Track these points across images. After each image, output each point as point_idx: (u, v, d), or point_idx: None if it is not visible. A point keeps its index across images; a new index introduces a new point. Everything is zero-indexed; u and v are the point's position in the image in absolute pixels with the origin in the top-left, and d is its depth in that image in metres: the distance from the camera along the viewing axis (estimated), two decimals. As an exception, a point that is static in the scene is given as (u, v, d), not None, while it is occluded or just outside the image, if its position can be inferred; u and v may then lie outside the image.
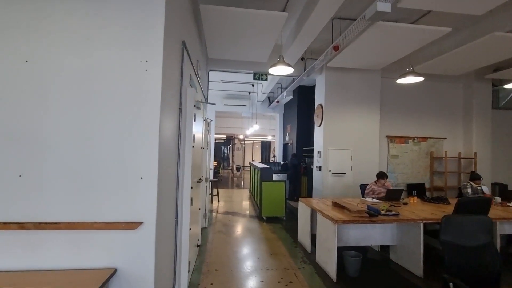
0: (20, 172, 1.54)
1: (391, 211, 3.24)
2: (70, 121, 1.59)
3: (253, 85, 7.99)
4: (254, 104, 9.40)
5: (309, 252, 3.72)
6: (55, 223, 1.54)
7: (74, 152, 1.59)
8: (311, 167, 6.50)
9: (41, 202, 1.55)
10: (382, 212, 3.18)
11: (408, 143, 5.92)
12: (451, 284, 1.58)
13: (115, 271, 1.57)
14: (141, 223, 1.62)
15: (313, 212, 3.72)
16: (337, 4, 3.08)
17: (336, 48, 3.93)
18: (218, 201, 7.45)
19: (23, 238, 1.54)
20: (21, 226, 1.52)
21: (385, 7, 2.76)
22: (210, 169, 6.31)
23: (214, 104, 4.16)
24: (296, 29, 3.98)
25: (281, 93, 7.79)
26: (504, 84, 5.64)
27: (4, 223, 1.51)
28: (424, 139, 5.98)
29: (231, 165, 19.29)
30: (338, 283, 2.86)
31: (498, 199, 4.14)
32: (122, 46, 1.64)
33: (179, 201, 2.29)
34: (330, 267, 2.99)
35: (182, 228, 2.36)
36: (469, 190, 4.34)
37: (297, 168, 7.76)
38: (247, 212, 6.27)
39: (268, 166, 6.48)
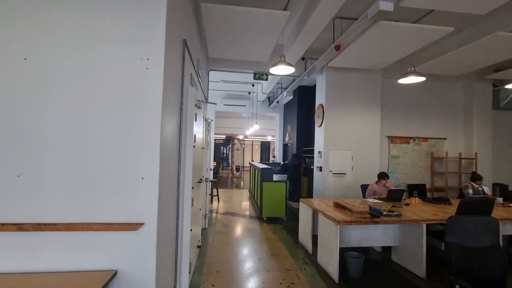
0: (19, 172, 1.51)
1: (393, 211, 3.22)
2: (70, 120, 1.56)
3: (253, 85, 7.96)
4: (254, 104, 9.38)
5: (311, 253, 3.69)
6: (55, 224, 1.51)
7: (74, 151, 1.56)
8: (311, 167, 6.48)
9: (40, 202, 1.52)
10: (384, 212, 3.15)
11: (408, 143, 5.91)
12: (457, 286, 1.55)
13: (115, 273, 1.54)
14: (142, 224, 1.59)
15: (314, 213, 3.70)
16: (338, 3, 3.07)
17: (337, 48, 3.91)
18: (218, 201, 7.41)
19: (21, 239, 1.50)
20: (20, 227, 1.48)
21: (387, 6, 2.75)
22: (210, 169, 6.28)
23: (215, 103, 4.14)
24: (297, 29, 3.96)
25: (281, 93, 7.77)
26: (505, 85, 5.64)
27: (2, 224, 1.48)
28: (425, 139, 5.97)
29: (230, 165, 19.25)
30: (340, 285, 2.84)
31: (500, 200, 4.12)
32: (123, 43, 1.62)
33: (180, 202, 2.26)
34: (332, 268, 2.96)
35: (183, 229, 2.33)
36: (470, 191, 4.33)
37: (297, 169, 7.73)
38: (247, 212, 6.24)
39: (269, 167, 6.46)
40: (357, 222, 2.95)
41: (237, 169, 16.34)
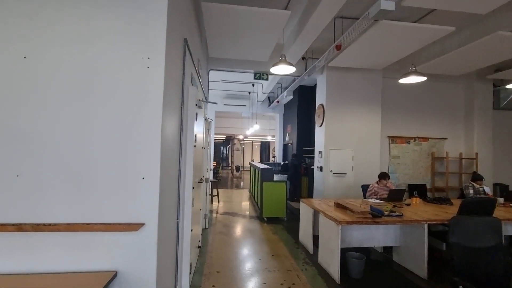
0: (18, 172, 1.49)
1: (394, 212, 3.20)
2: (69, 119, 1.54)
3: (253, 85, 7.95)
4: (254, 104, 9.36)
5: (311, 253, 3.68)
6: (54, 224, 1.50)
7: (73, 151, 1.54)
8: (312, 167, 6.46)
9: (40, 203, 1.50)
10: (386, 213, 3.14)
11: (409, 143, 5.90)
12: (460, 287, 1.54)
13: (115, 274, 1.52)
14: (143, 224, 1.57)
15: (315, 213, 3.68)
16: (339, 3, 3.05)
17: (338, 47, 3.90)
18: (218, 201, 7.40)
19: (21, 240, 1.49)
20: (19, 227, 1.47)
21: (389, 5, 2.73)
22: (210, 169, 6.26)
23: (216, 103, 4.13)
24: (298, 28, 3.95)
25: (282, 93, 7.76)
26: (505, 85, 5.63)
27: (2, 224, 1.46)
28: (425, 139, 5.97)
29: (230, 165, 19.24)
30: (341, 285, 2.83)
31: (501, 200, 4.11)
32: (123, 42, 1.60)
33: (180, 202, 2.25)
34: (333, 268, 2.95)
35: (183, 229, 2.31)
36: (471, 191, 4.32)
37: (298, 169, 7.72)
38: (247, 212, 6.22)
39: (269, 167, 6.44)
40: (358, 223, 2.94)
41: (237, 169, 16.32)
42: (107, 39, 1.59)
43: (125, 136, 1.58)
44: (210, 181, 6.19)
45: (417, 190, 5.01)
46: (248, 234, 4.54)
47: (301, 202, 4.19)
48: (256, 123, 9.89)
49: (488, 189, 4.45)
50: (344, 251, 3.03)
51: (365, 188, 4.61)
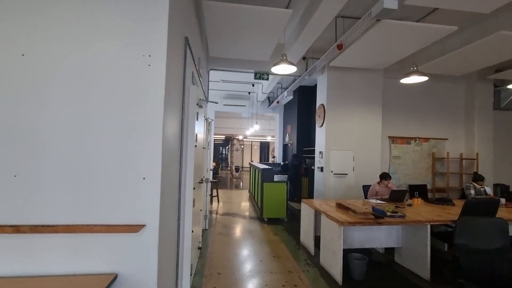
0: (16, 172, 1.45)
1: (396, 212, 3.18)
2: (69, 118, 1.50)
3: (253, 85, 7.92)
4: (254, 104, 9.33)
5: (313, 254, 3.65)
6: (53, 226, 1.46)
7: (73, 151, 1.50)
8: (312, 167, 6.44)
9: (38, 203, 1.47)
10: (388, 213, 3.12)
11: (410, 143, 5.88)
12: (467, 289, 1.52)
13: (116, 276, 1.49)
14: (144, 225, 1.54)
15: (317, 214, 3.65)
16: (341, 2, 3.03)
17: (339, 47, 3.87)
18: (218, 202, 7.36)
19: (18, 242, 1.45)
20: (17, 229, 1.43)
21: (392, 4, 2.71)
22: (210, 170, 6.23)
23: (217, 102, 4.09)
24: (299, 27, 3.92)
25: (282, 93, 7.73)
26: (506, 85, 5.63)
27: (-2, 226, 1.42)
28: (426, 139, 5.95)
29: (230, 166, 19.19)
30: (343, 286, 2.80)
31: (503, 201, 4.09)
32: (124, 39, 1.56)
33: (181, 202, 2.21)
34: (335, 270, 2.92)
35: (184, 230, 2.28)
36: (472, 191, 4.30)
37: (298, 169, 7.69)
38: (247, 213, 6.19)
39: (269, 167, 6.41)
40: (360, 223, 2.91)
41: (237, 169, 16.28)
42: (107, 36, 1.55)
43: (125, 136, 1.55)
44: (210, 181, 6.15)
45: (417, 190, 4.98)
46: (249, 235, 4.50)
47: (302, 203, 4.16)
48: (256, 123, 9.86)
49: (489, 190, 4.44)
50: (346, 252, 3.00)
51: (366, 188, 4.59)
